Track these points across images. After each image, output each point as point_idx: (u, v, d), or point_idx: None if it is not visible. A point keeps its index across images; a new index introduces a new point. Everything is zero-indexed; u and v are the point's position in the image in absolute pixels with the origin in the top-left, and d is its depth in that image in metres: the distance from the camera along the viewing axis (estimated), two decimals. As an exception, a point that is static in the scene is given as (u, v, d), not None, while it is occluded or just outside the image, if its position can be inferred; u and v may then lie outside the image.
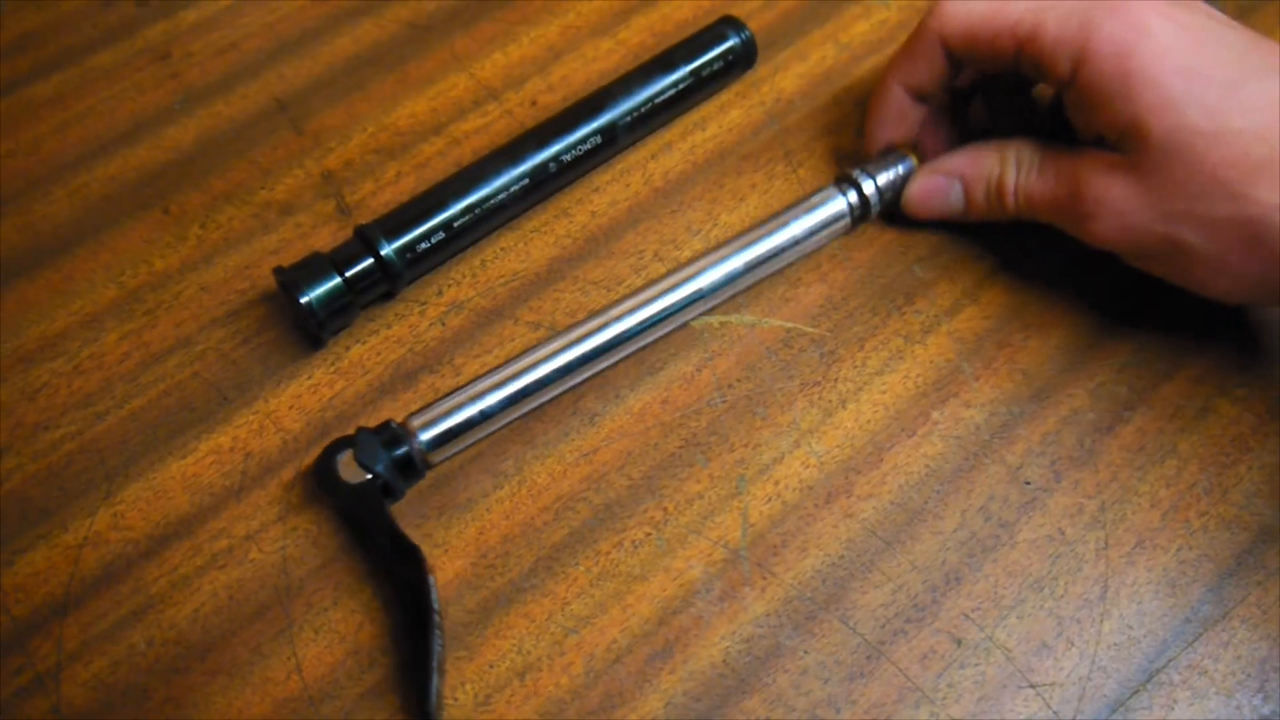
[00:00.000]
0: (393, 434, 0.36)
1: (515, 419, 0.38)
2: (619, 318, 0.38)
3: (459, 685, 0.34)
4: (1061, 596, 0.36)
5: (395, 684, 0.34)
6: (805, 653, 0.35)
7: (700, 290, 0.39)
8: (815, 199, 0.41)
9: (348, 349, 0.40)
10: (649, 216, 0.44)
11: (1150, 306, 0.41)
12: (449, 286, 0.42)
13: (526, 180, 0.41)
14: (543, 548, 0.37)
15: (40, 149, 0.45)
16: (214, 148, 0.45)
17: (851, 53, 0.48)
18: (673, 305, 0.39)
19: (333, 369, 0.40)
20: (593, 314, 0.39)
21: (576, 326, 0.38)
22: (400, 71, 0.47)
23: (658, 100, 0.44)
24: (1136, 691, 0.35)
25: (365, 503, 0.35)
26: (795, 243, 0.41)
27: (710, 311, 0.41)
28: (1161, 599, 0.36)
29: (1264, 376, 0.40)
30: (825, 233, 0.41)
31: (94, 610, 0.35)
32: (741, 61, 0.46)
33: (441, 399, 0.37)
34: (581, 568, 0.36)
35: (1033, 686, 0.35)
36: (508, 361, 0.38)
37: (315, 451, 0.38)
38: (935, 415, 0.39)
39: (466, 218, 0.41)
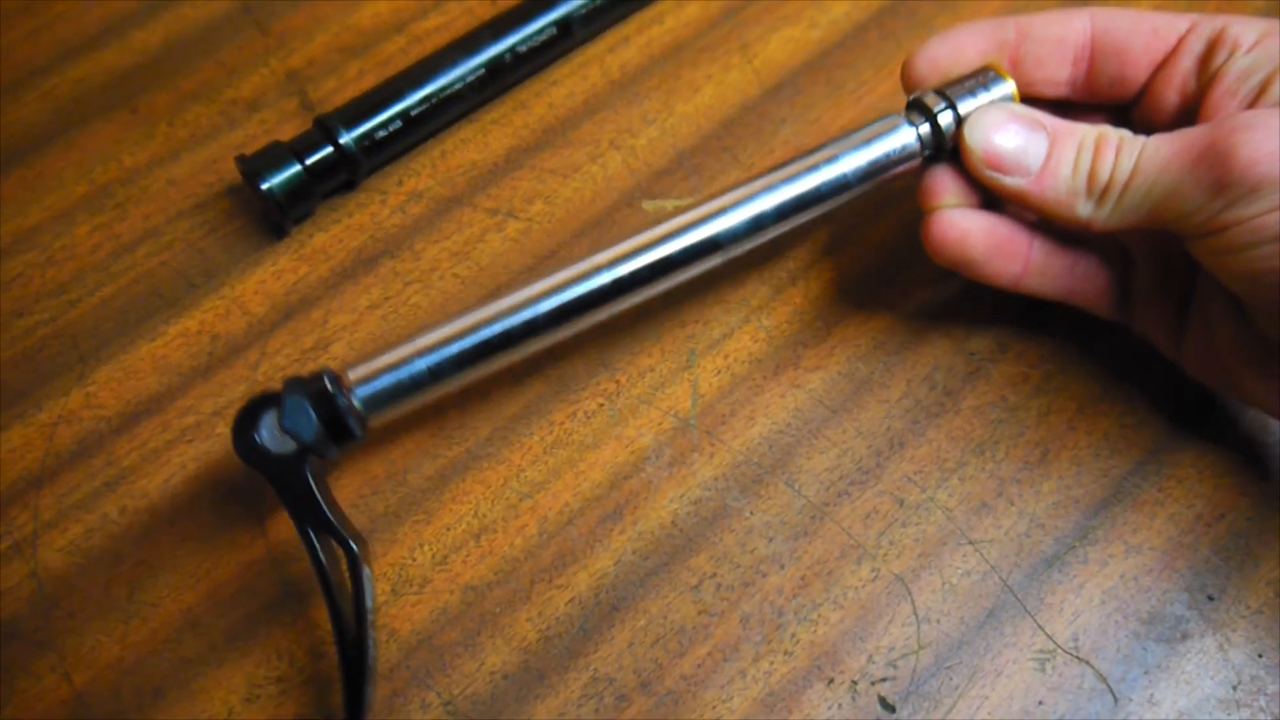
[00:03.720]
0: (323, 390, 0.31)
1: (472, 380, 0.33)
2: (606, 266, 0.33)
3: (417, 547, 0.36)
4: (1003, 460, 0.37)
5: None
6: (751, 514, 0.36)
7: (715, 238, 0.33)
8: (877, 127, 0.34)
9: (311, 237, 0.41)
10: (605, 107, 0.44)
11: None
12: (409, 177, 0.43)
13: (483, 71, 0.42)
14: (499, 419, 0.38)
15: (11, 55, 0.46)
16: (180, 50, 0.46)
17: (810, -52, 0.49)
18: (676, 255, 0.33)
19: (296, 256, 0.41)
20: (578, 260, 0.33)
21: (556, 273, 0.33)
22: (363, -27, 0.48)
23: (613, -9, 0.44)
24: (1073, 547, 0.36)
25: (291, 478, 0.31)
26: (845, 184, 0.34)
27: (664, 195, 0.42)
28: (1101, 461, 0.37)
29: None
30: (888, 171, 0.34)
31: (68, 482, 0.37)
32: (698, -45, 0.46)
33: (386, 350, 0.32)
34: (536, 437, 0.38)
35: (972, 543, 0.36)
36: (468, 310, 0.33)
37: (280, 334, 0.39)
38: (884, 292, 0.40)
39: (424, 107, 0.41)
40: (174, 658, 0.34)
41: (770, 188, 0.34)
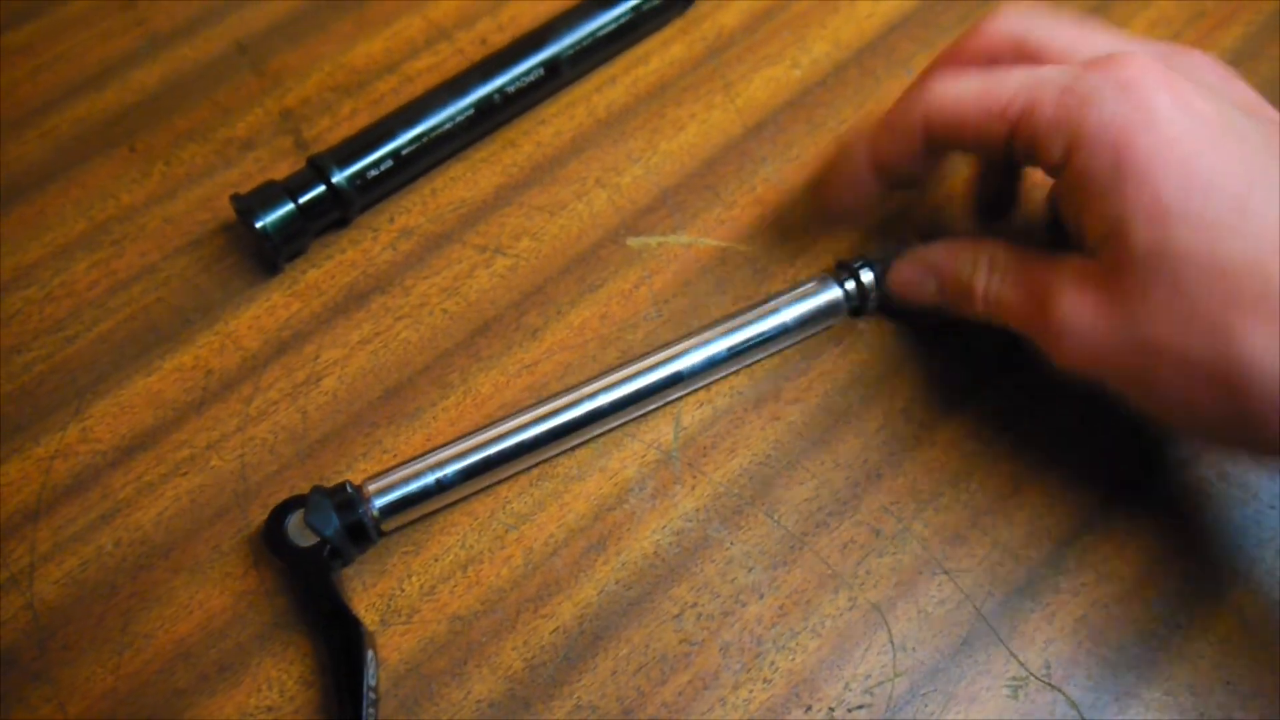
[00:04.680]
0: (346, 498, 0.35)
1: (475, 491, 0.38)
2: (590, 396, 0.38)
3: (406, 578, 0.37)
4: (977, 491, 0.38)
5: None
6: (731, 544, 0.37)
7: (679, 373, 0.38)
8: (810, 287, 0.40)
9: (304, 273, 0.42)
10: (592, 146, 0.46)
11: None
12: (400, 214, 0.44)
13: (472, 111, 0.43)
14: (486, 452, 0.39)
15: (14, 93, 0.47)
16: (178, 89, 0.47)
17: (792, -11, 0.50)
18: (648, 387, 0.38)
19: (289, 292, 0.42)
20: (565, 390, 0.38)
21: (547, 402, 0.38)
22: (357, 14, 0.49)
23: (599, 34, 0.46)
24: (1045, 576, 0.37)
25: (312, 568, 0.35)
26: (784, 331, 0.39)
27: (648, 232, 0.43)
28: (1072, 492, 0.38)
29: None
30: (818, 325, 0.40)
31: (65, 515, 0.38)
32: (681, -2, 0.48)
33: (399, 465, 0.36)
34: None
35: (946, 572, 0.37)
36: (472, 432, 0.37)
37: (273, 369, 0.40)
38: (861, 326, 0.41)
39: (414, 146, 0.43)
40: (166, 689, 0.35)
41: (725, 334, 0.39)
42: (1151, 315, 0.29)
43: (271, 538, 0.36)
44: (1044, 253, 0.34)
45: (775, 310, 0.39)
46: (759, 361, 0.40)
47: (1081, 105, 0.31)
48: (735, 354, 0.39)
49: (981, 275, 0.35)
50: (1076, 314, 0.31)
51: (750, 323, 0.39)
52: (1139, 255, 0.29)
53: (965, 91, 0.34)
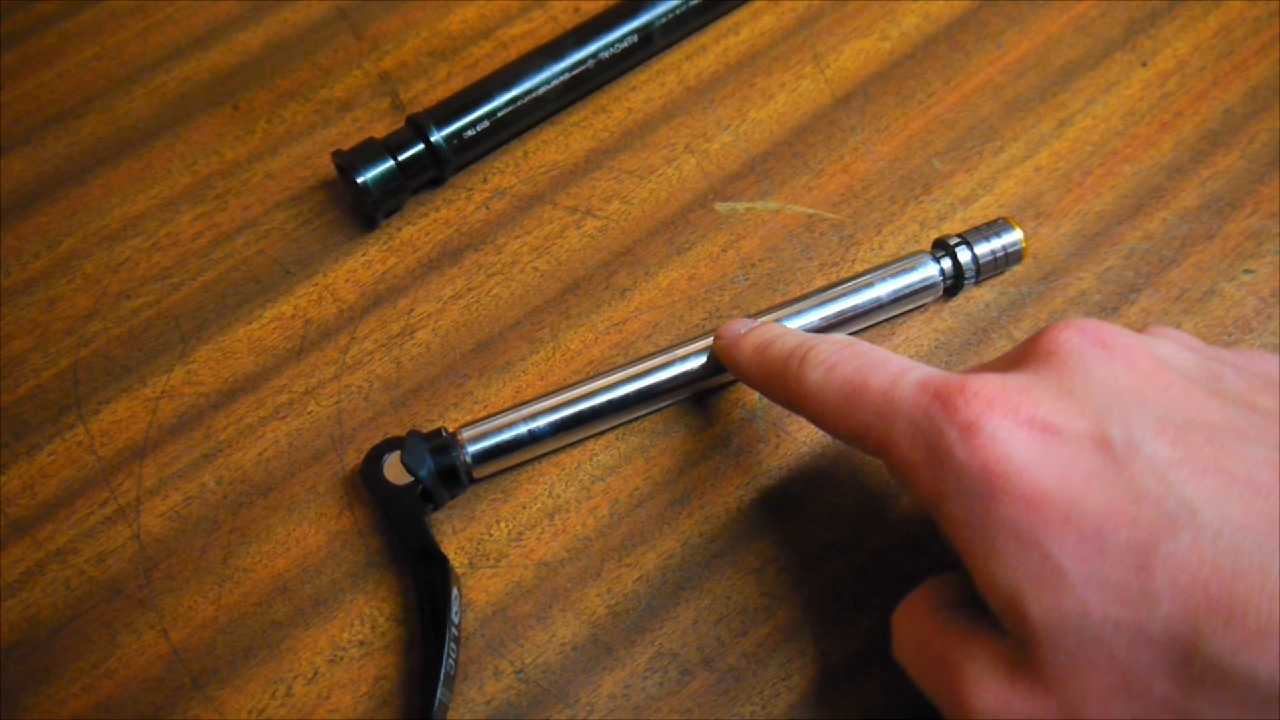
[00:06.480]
0: (442, 442, 0.36)
1: (565, 445, 0.38)
2: (685, 357, 0.38)
3: (494, 523, 0.38)
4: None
5: (404, 689, 0.35)
6: (814, 502, 0.38)
7: None
8: (906, 262, 0.40)
9: (399, 229, 0.44)
10: (682, 113, 0.46)
11: (1158, 199, 0.43)
12: (493, 174, 0.45)
13: (566, 76, 0.44)
14: (574, 405, 0.40)
15: (123, 53, 0.49)
16: (280, 51, 0.49)
17: (882, -37, 0.50)
18: None
19: (385, 247, 0.43)
20: (659, 351, 0.39)
21: (641, 361, 0.38)
22: (453, -19, 0.50)
23: (691, 3, 0.46)
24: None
25: (405, 505, 0.36)
26: (878, 306, 0.39)
27: (736, 198, 0.44)
28: (1157, 464, 0.38)
29: (1270, 262, 0.42)
30: (913, 302, 0.40)
31: (169, 453, 0.39)
32: (774, -32, 0.48)
33: (494, 415, 0.37)
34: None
35: (1028, 538, 0.37)
36: (566, 387, 0.38)
37: (369, 320, 0.42)
38: (946, 300, 0.41)
39: (510, 109, 0.44)
40: (264, 620, 0.36)
41: (820, 304, 0.39)
42: (1084, 695, 0.24)
43: (368, 476, 0.37)
44: (962, 620, 0.28)
45: (870, 284, 0.39)
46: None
47: (930, 453, 0.26)
48: (827, 325, 0.39)
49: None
50: (992, 708, 0.25)
51: (844, 295, 0.39)
52: (1041, 629, 0.24)
53: (829, 391, 0.30)
